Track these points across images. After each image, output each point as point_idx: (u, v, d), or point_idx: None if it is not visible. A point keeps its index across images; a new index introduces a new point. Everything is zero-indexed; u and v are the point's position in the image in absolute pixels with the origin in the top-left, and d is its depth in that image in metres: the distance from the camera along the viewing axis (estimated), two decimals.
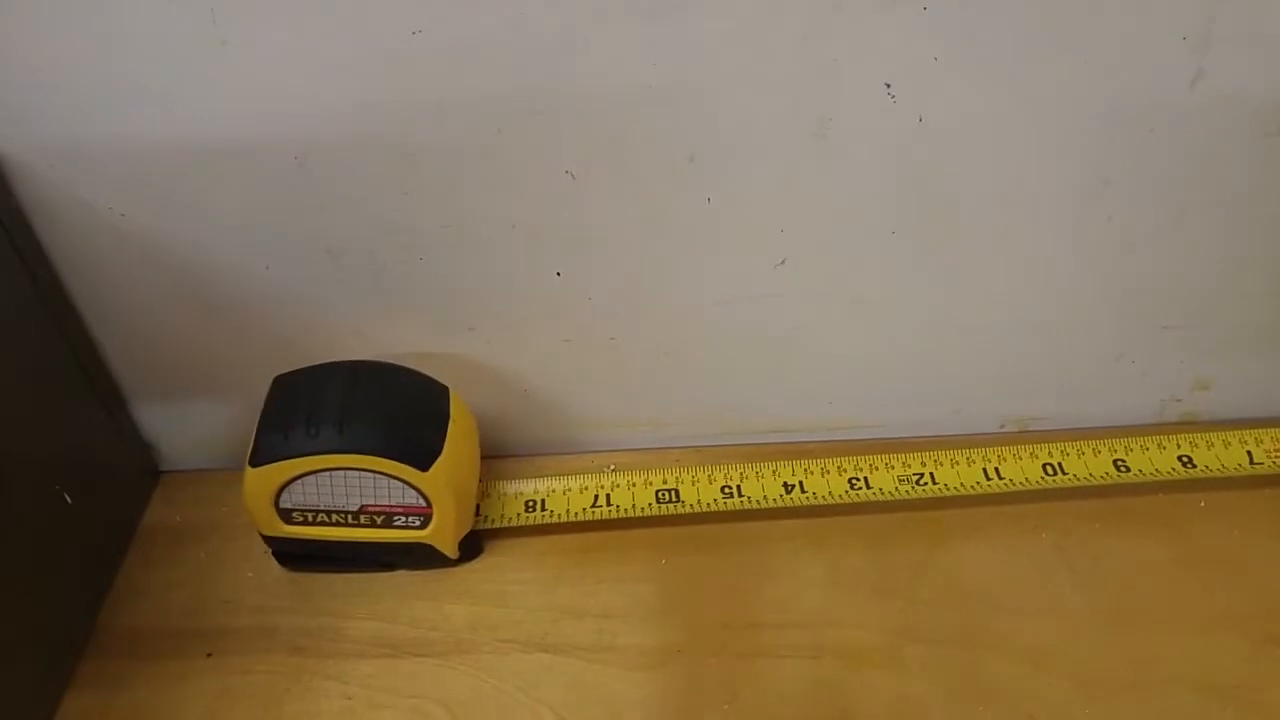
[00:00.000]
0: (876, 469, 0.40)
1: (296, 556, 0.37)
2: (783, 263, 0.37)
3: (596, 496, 0.39)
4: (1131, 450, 0.40)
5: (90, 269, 0.35)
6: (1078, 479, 0.39)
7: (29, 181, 0.33)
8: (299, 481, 0.34)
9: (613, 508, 0.39)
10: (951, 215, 0.35)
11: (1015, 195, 0.35)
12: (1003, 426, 0.44)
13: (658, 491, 0.39)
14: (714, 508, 0.39)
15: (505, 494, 0.39)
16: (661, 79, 0.31)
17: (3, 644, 0.31)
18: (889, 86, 0.32)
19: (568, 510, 0.39)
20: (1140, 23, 0.30)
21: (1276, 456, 0.40)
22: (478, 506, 0.38)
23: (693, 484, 0.39)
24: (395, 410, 0.34)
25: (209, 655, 0.36)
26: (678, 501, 0.39)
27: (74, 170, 0.32)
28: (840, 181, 0.34)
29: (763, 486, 0.39)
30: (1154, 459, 0.40)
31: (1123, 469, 0.40)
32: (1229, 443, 0.40)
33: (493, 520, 0.39)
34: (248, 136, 0.31)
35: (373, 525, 0.35)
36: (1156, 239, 0.36)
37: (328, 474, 0.33)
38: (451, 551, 0.37)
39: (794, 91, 0.31)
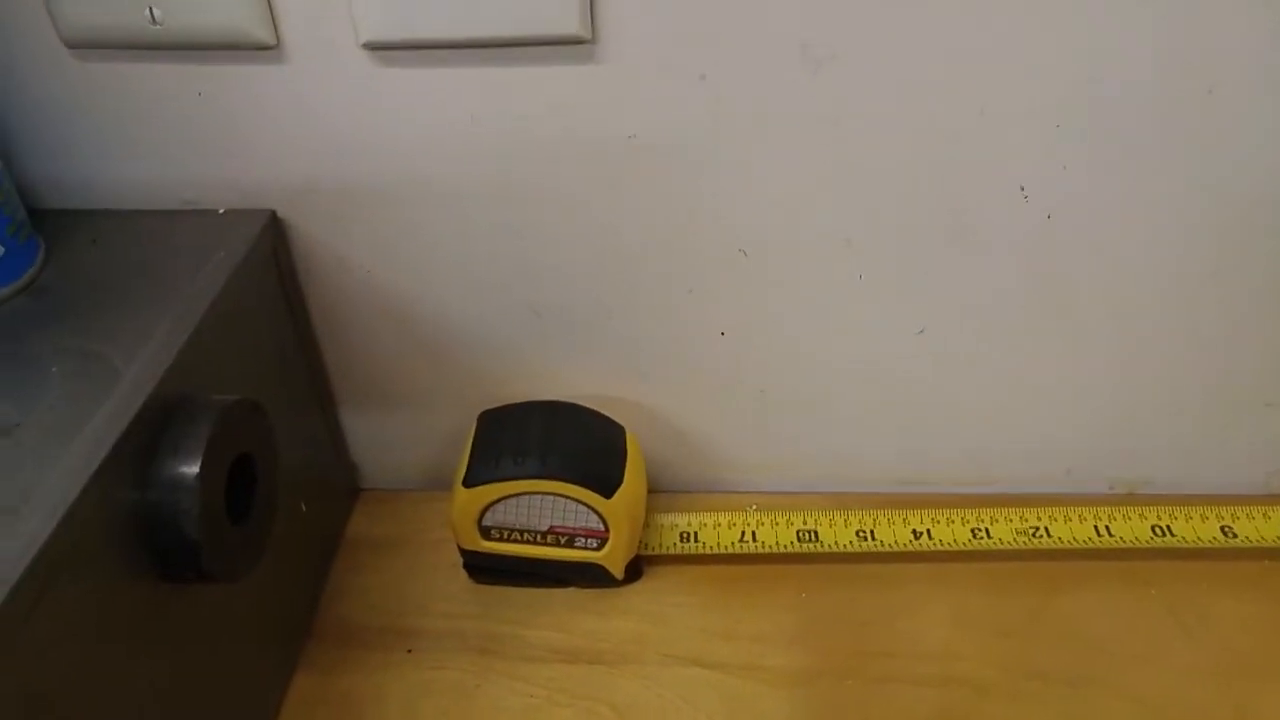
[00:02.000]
0: (996, 521, 0.44)
1: (486, 570, 0.43)
2: (921, 332, 0.42)
3: (744, 532, 0.44)
4: (1238, 518, 0.44)
5: (338, 321, 0.42)
6: (1186, 541, 0.43)
7: (299, 241, 0.40)
8: (502, 502, 0.39)
9: (758, 543, 0.44)
10: (1075, 297, 0.40)
11: (1131, 280, 0.39)
12: (1111, 488, 0.48)
13: (799, 531, 0.44)
14: (849, 549, 0.43)
15: (663, 525, 0.45)
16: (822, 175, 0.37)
17: (258, 625, 0.38)
18: (1024, 189, 0.37)
19: (718, 543, 0.44)
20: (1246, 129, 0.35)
21: None
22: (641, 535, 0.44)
23: (830, 526, 0.44)
24: (586, 445, 0.40)
25: (409, 651, 0.41)
26: (816, 541, 0.44)
27: (339, 234, 0.39)
28: (976, 268, 0.39)
29: (894, 532, 0.44)
30: (1260, 527, 0.43)
31: (1230, 535, 0.43)
32: None
33: (652, 548, 0.44)
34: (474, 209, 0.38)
35: (557, 544, 0.41)
36: (1260, 324, 0.40)
37: (527, 497, 0.39)
38: (619, 572, 0.42)
39: (938, 188, 0.37)
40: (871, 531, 0.44)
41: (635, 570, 0.43)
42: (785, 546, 0.44)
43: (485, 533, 0.41)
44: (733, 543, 0.44)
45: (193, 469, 0.30)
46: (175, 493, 0.29)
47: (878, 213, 0.38)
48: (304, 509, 0.42)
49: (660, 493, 0.47)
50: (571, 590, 0.43)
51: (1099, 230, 0.38)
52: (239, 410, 0.32)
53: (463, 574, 0.44)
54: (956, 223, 0.38)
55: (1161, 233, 0.38)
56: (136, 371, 0.31)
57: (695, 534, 0.44)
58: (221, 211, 0.38)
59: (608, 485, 0.39)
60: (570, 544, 0.41)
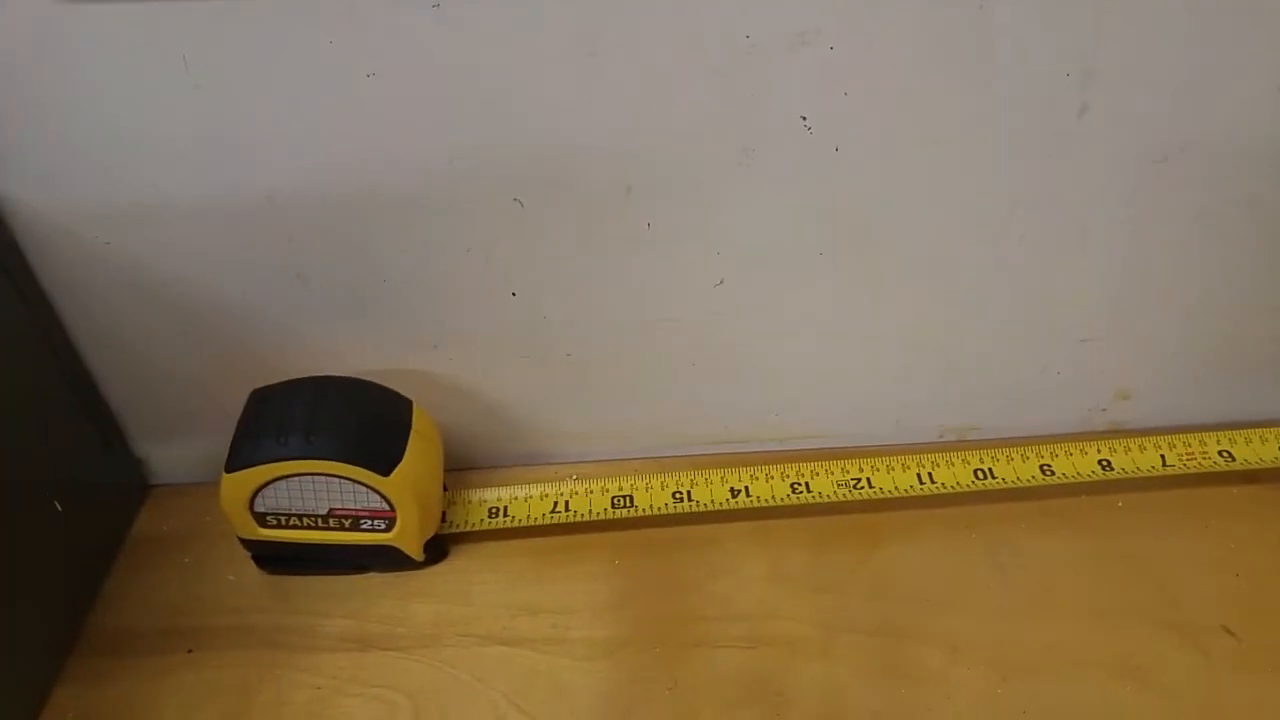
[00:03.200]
0: (817, 474, 0.43)
1: (274, 560, 0.40)
2: (721, 283, 0.40)
3: (556, 503, 0.42)
4: (1057, 455, 0.43)
5: (81, 297, 0.38)
6: (1006, 482, 0.42)
7: (21, 217, 0.36)
8: (271, 486, 0.36)
9: (571, 513, 0.42)
10: (876, 238, 0.39)
11: (933, 219, 0.38)
12: (942, 436, 0.47)
13: (613, 498, 0.42)
14: (665, 511, 0.42)
15: (470, 501, 0.42)
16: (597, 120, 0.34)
17: (4, 642, 0.34)
18: (805, 119, 0.35)
19: (528, 515, 0.41)
20: (1028, 60, 0.33)
21: (1187, 460, 0.42)
22: (444, 513, 0.41)
23: (646, 490, 0.42)
24: (359, 420, 0.37)
25: (189, 651, 0.38)
26: (631, 506, 0.42)
27: (62, 202, 0.36)
28: (766, 207, 0.37)
29: (711, 491, 0.42)
30: (1076, 463, 0.43)
31: (1048, 473, 0.42)
32: (1144, 447, 0.43)
33: (457, 525, 0.41)
34: (224, 180, 0.35)
35: (341, 528, 0.38)
36: (1065, 257, 0.40)
37: (297, 479, 0.36)
38: (416, 554, 0.40)
39: (718, 125, 0.35)
40: (689, 493, 0.42)
41: (439, 550, 0.41)
42: (599, 514, 0.42)
43: (261, 520, 0.38)
44: (544, 514, 0.42)
45: None
46: None
47: (659, 156, 0.36)
48: (59, 509, 0.38)
49: (474, 469, 0.45)
50: (372, 576, 0.41)
51: (891, 165, 0.36)
52: None
53: (255, 567, 0.41)
54: (743, 159, 0.36)
55: (955, 166, 0.37)
56: None
57: (505, 508, 0.42)
58: None
59: (385, 462, 0.36)
60: (356, 527, 0.38)
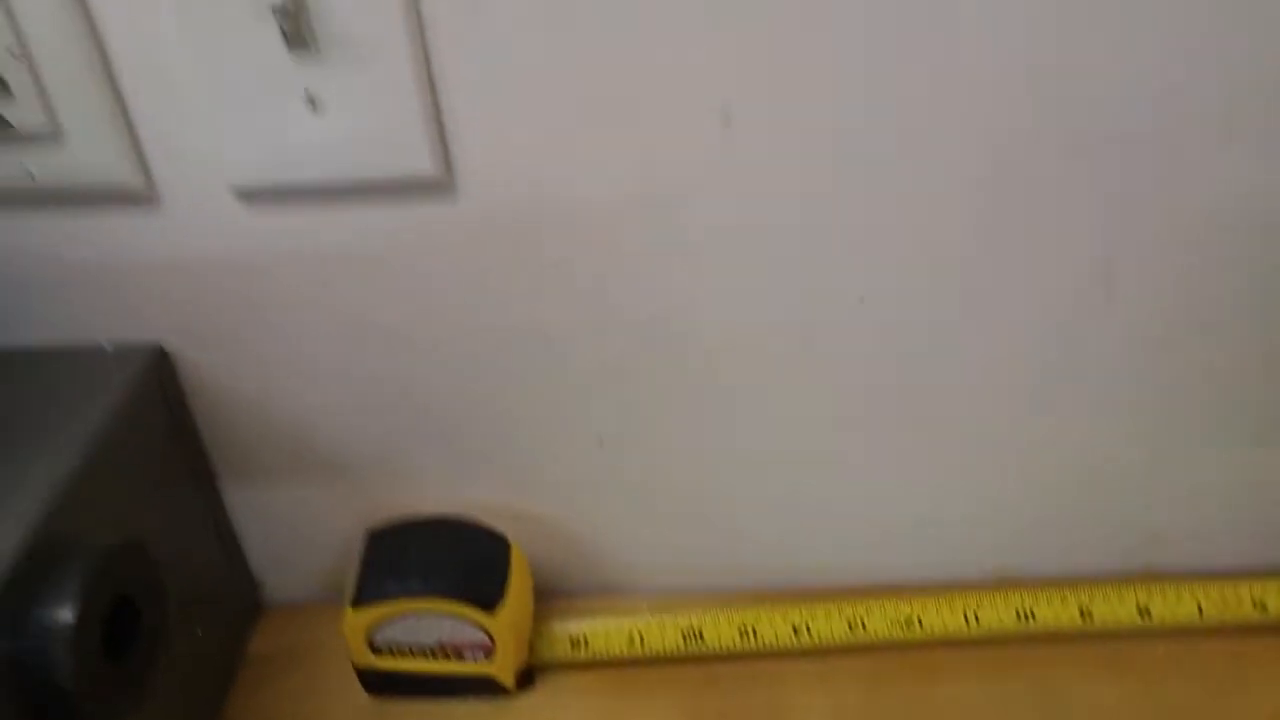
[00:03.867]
0: (872, 613, 0.46)
1: (380, 685, 0.44)
2: (787, 435, 0.44)
3: (631, 637, 0.46)
4: (1095, 600, 0.46)
5: (223, 434, 0.44)
6: (1047, 625, 0.45)
7: (187, 371, 0.42)
8: (389, 621, 0.41)
9: (645, 647, 0.45)
10: (925, 403, 0.43)
11: (976, 385, 0.43)
12: (984, 574, 0.50)
13: (683, 632, 0.46)
14: (733, 647, 0.45)
15: (554, 632, 0.46)
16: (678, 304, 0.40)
17: None
18: (862, 299, 0.40)
19: (606, 648, 0.45)
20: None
21: (1224, 610, 0.45)
22: (530, 644, 0.45)
23: (714, 625, 0.46)
24: (468, 561, 0.42)
25: None
26: (701, 640, 0.45)
27: (223, 358, 0.41)
28: (824, 373, 0.42)
29: (775, 629, 0.46)
30: (1115, 609, 0.46)
31: (1087, 617, 0.46)
32: (1180, 596, 0.46)
33: (544, 656, 0.45)
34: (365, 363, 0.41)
35: (446, 658, 0.42)
36: (1094, 419, 0.44)
37: (413, 615, 0.41)
38: (510, 682, 0.44)
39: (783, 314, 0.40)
40: (754, 629, 0.46)
41: (528, 679, 0.45)
42: (672, 648, 0.45)
43: (376, 650, 0.42)
44: (621, 647, 0.45)
45: (67, 617, 0.30)
46: (48, 641, 0.30)
47: (731, 328, 0.41)
48: (199, 633, 0.42)
49: (552, 596, 0.49)
50: (467, 700, 0.44)
51: (943, 348, 0.41)
52: (119, 552, 0.33)
53: (359, 689, 0.45)
54: (803, 335, 0.41)
55: (995, 347, 0.41)
56: (13, 516, 0.32)
57: (585, 640, 0.46)
58: (109, 348, 0.40)
59: (490, 600, 0.41)
60: (459, 657, 0.42)
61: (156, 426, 0.41)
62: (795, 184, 0.37)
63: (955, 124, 0.35)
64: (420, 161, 0.35)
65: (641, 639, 0.46)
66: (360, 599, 0.41)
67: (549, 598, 0.49)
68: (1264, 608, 0.45)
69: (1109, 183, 0.37)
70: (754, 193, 0.37)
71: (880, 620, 0.46)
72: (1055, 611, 0.46)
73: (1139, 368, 0.42)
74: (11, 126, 0.34)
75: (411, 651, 0.42)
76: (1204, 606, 0.46)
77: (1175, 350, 0.41)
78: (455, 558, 0.41)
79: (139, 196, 0.37)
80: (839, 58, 0.34)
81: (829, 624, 0.46)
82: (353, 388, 0.42)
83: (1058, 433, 0.44)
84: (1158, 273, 0.39)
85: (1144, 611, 0.46)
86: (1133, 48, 0.34)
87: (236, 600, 0.48)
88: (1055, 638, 0.45)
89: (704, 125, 0.35)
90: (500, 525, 0.44)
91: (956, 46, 0.34)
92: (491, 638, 0.42)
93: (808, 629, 0.46)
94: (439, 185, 0.37)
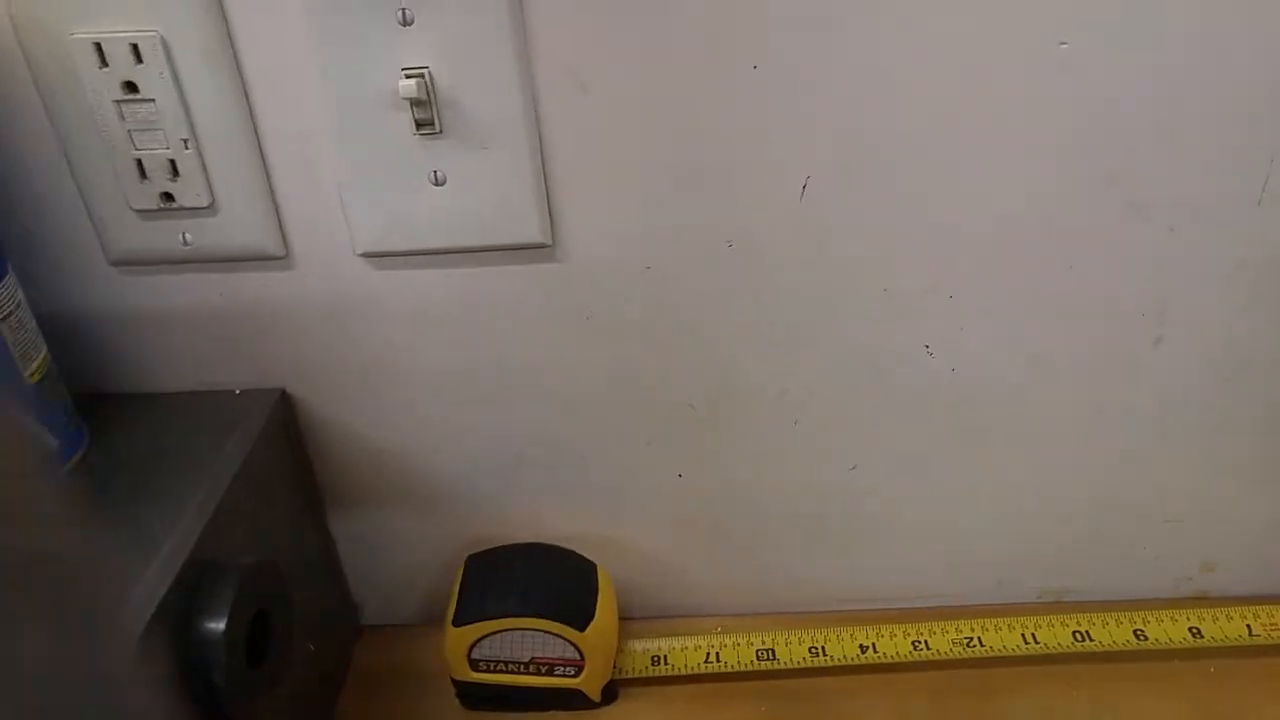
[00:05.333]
0: (934, 633, 0.49)
1: (476, 698, 0.47)
2: (854, 467, 0.48)
3: (708, 654, 0.49)
4: (1149, 622, 0.49)
5: (335, 466, 0.48)
6: (1103, 645, 0.48)
7: (307, 414, 0.46)
8: (488, 638, 0.45)
9: (721, 664, 0.49)
10: (989, 440, 0.46)
11: (1035, 426, 0.46)
12: (1040, 597, 0.53)
13: (758, 650, 0.49)
14: (804, 664, 0.48)
15: (635, 650, 0.49)
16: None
17: None
18: (928, 347, 0.43)
19: (685, 665, 0.49)
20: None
21: (1272, 630, 0.48)
22: (614, 660, 0.49)
23: (786, 644, 0.49)
24: (561, 583, 0.45)
25: None
26: (774, 659, 0.49)
27: (337, 399, 0.46)
28: (893, 410, 0.45)
29: (843, 647, 0.49)
30: (1168, 630, 0.48)
31: (1141, 638, 0.48)
32: (1231, 617, 0.48)
33: (626, 672, 0.49)
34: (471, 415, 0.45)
35: (539, 674, 0.46)
36: (1146, 454, 0.47)
37: (510, 633, 0.44)
38: (596, 696, 0.47)
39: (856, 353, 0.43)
40: (823, 648, 0.49)
41: (611, 693, 0.48)
42: (746, 666, 0.49)
43: (474, 665, 0.46)
44: (699, 664, 0.49)
45: (220, 625, 0.35)
46: (205, 647, 0.35)
47: (808, 367, 0.44)
48: (313, 649, 0.46)
49: (633, 618, 0.52)
50: (554, 713, 0.48)
51: (999, 379, 0.44)
52: (258, 571, 0.37)
53: (456, 701, 0.48)
54: (874, 377, 0.44)
55: (1049, 383, 0.44)
56: (172, 542, 0.36)
57: (665, 657, 0.49)
58: (238, 392, 0.45)
59: (581, 619, 0.44)
60: (550, 672, 0.46)
61: (280, 463, 0.45)
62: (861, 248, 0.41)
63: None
64: (530, 230, 0.39)
65: (717, 656, 0.49)
66: (462, 617, 0.44)
67: (631, 618, 0.52)
68: None
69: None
70: (826, 257, 0.41)
71: (942, 640, 0.49)
72: (1110, 632, 0.48)
73: (1195, 403, 0.45)
74: (174, 201, 0.38)
75: (507, 667, 0.46)
76: (1253, 627, 0.48)
77: (1229, 387, 0.44)
78: (549, 580, 0.45)
79: (276, 259, 0.41)
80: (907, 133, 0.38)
81: (894, 643, 0.49)
82: (454, 430, 0.46)
83: (1116, 465, 0.47)
84: (1207, 314, 0.42)
85: (1195, 632, 0.48)
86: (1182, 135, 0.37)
87: (340, 620, 0.52)
88: (1110, 657, 0.48)
89: (784, 191, 0.39)
90: (588, 552, 0.48)
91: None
92: (582, 654, 0.45)
93: (874, 647, 0.49)
94: (543, 249, 0.41)
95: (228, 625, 0.35)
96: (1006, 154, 0.38)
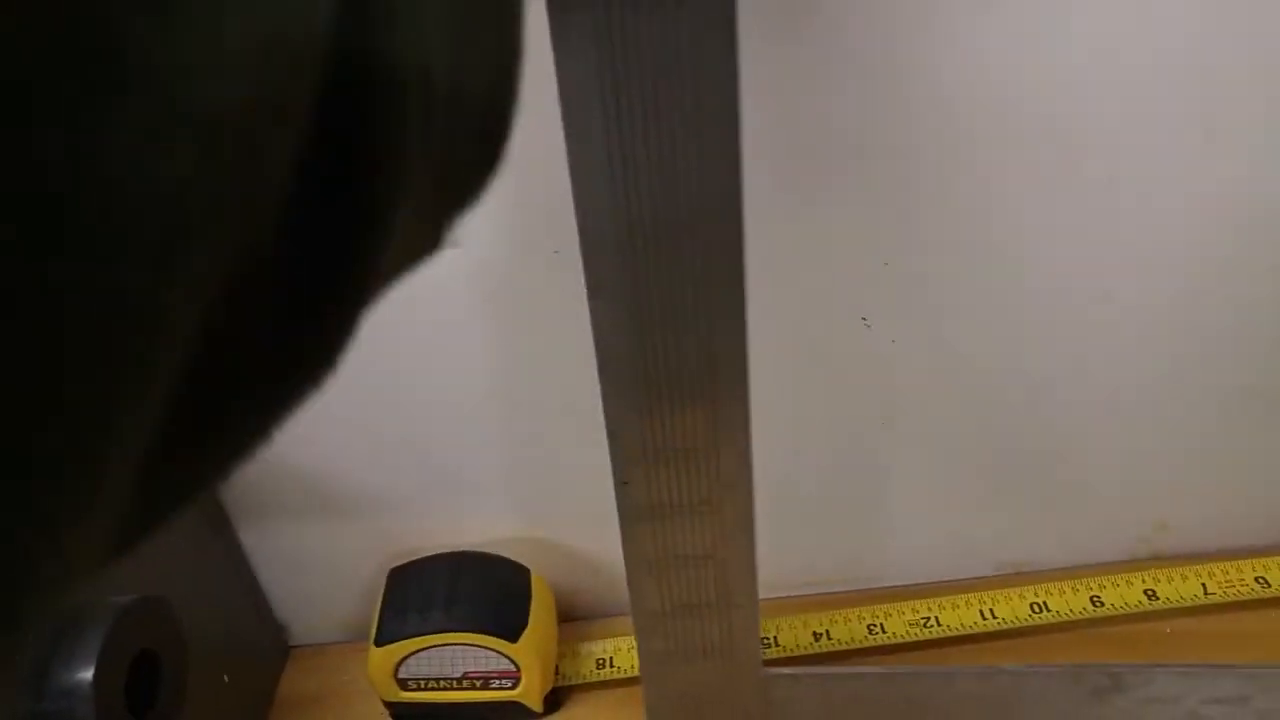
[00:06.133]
0: (890, 616, 0.47)
1: (410, 717, 0.45)
2: (797, 454, 0.45)
3: None
4: (1105, 587, 0.47)
5: (248, 492, 0.45)
6: (1059, 615, 0.46)
7: None
8: (414, 656, 0.42)
9: None
10: (934, 402, 0.44)
11: (985, 386, 0.44)
12: (998, 570, 0.51)
13: None
14: None
15: (580, 653, 0.47)
16: None
17: None
18: (865, 320, 0.41)
19: (633, 666, 0.46)
20: None
21: (1227, 588, 0.46)
22: (557, 667, 0.46)
23: None
24: (489, 593, 0.42)
25: None
26: None
27: None
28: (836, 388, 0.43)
29: (796, 636, 0.47)
30: (1124, 594, 0.47)
31: (1098, 604, 0.47)
32: (1186, 576, 0.47)
33: (570, 678, 0.46)
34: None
35: (473, 688, 0.43)
36: (1098, 414, 0.45)
37: (437, 649, 0.42)
38: (537, 706, 0.44)
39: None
40: (775, 638, 0.47)
41: (554, 702, 0.46)
42: None
43: (403, 685, 0.43)
44: None
45: (86, 676, 0.31)
46: (70, 701, 0.31)
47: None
48: (226, 680, 0.43)
49: (579, 620, 0.50)
50: None
51: (941, 344, 0.42)
52: (138, 609, 0.34)
53: None
54: (808, 349, 0.42)
55: (1005, 330, 0.42)
56: None
57: (611, 659, 0.47)
58: None
59: (513, 630, 0.42)
60: (486, 686, 0.43)
61: None
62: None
63: None
64: None
65: None
66: (383, 637, 0.41)
67: (576, 620, 0.50)
68: (1265, 583, 0.47)
69: None
70: None
71: (899, 622, 0.47)
72: (1067, 600, 0.47)
73: (1144, 357, 0.43)
74: None
75: (438, 684, 0.43)
76: (1208, 586, 0.47)
77: (1180, 338, 0.42)
78: (477, 590, 0.42)
79: None
80: None
81: (848, 628, 0.47)
82: (363, 433, 0.43)
83: (1065, 425, 0.45)
84: (1160, 276, 0.40)
85: (1151, 594, 0.47)
86: None
87: (262, 645, 0.49)
88: (1064, 626, 0.46)
89: None
90: (522, 558, 0.45)
91: None
92: (517, 665, 0.42)
93: (828, 634, 0.47)
94: None
95: (96, 673, 0.31)
96: None
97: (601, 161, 0.29)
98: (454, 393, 0.42)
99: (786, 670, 0.43)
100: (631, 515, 0.38)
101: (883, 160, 0.37)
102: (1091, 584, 0.47)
